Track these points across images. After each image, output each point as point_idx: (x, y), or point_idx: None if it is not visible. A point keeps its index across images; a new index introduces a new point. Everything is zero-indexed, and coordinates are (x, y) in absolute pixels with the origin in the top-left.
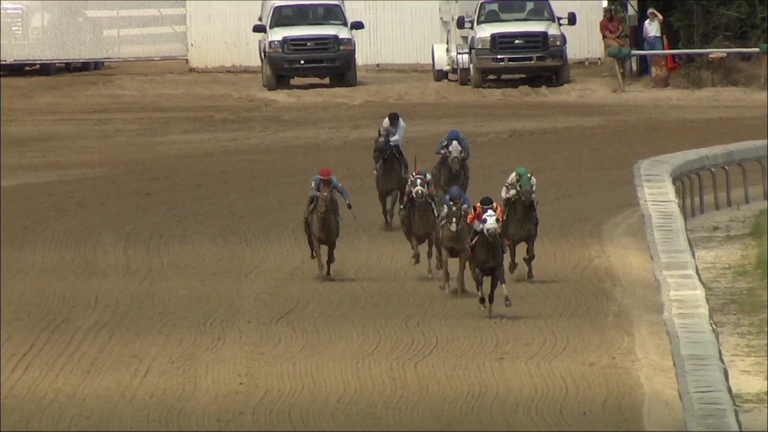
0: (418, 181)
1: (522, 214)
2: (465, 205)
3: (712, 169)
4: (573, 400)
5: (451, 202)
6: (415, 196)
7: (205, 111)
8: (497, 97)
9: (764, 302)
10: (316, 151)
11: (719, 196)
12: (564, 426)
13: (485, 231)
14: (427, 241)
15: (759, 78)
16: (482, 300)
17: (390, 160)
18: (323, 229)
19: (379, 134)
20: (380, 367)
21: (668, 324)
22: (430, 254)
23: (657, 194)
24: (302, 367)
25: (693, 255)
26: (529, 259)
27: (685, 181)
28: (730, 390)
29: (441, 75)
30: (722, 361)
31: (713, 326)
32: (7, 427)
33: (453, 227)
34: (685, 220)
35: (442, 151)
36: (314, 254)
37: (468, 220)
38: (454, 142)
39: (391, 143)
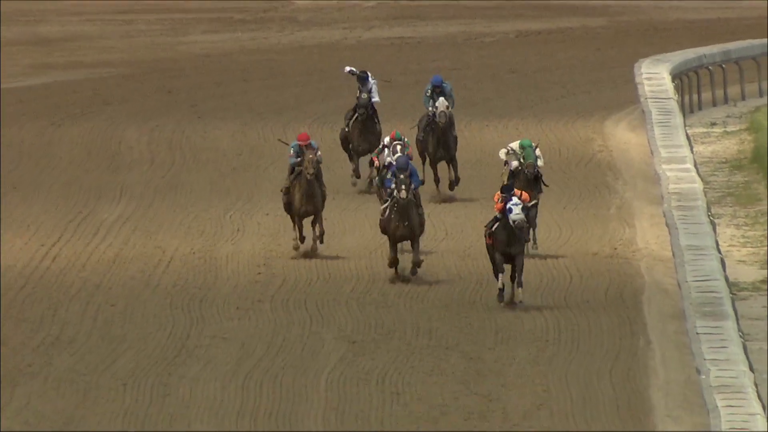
0: (398, 147)
1: (525, 185)
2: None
3: (710, 68)
4: (577, 288)
5: (399, 174)
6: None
7: (224, 12)
8: None
9: (760, 195)
10: (331, 51)
11: (717, 93)
12: (568, 313)
13: (512, 222)
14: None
15: None
16: (501, 291)
17: (367, 119)
18: (306, 197)
19: (359, 93)
20: None
21: (668, 216)
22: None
23: (657, 92)
24: (317, 258)
25: (692, 150)
26: (532, 227)
27: (684, 79)
28: (726, 279)
29: None
30: (719, 252)
31: (711, 218)
32: (38, 313)
33: (402, 194)
34: (684, 116)
35: (430, 108)
36: (295, 227)
37: (496, 208)
38: (441, 99)
39: (371, 101)
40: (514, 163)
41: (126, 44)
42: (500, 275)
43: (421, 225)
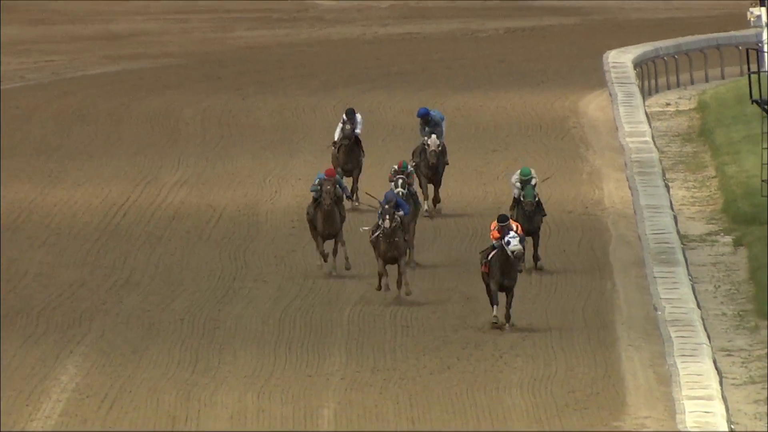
0: (399, 181)
1: (523, 217)
2: (401, 212)
3: (665, 58)
4: (554, 240)
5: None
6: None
7: (264, 12)
8: (495, 1)
9: (706, 163)
10: (352, 45)
11: (670, 79)
12: (547, 260)
13: (510, 253)
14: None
15: None
16: (496, 320)
17: (351, 145)
18: (327, 222)
19: (343, 123)
20: None
21: (630, 180)
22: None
23: (621, 78)
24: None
25: (650, 125)
26: (536, 252)
27: (643, 67)
28: (678, 232)
29: None
30: (672, 210)
31: (665, 182)
32: (110, 260)
33: (386, 223)
34: (644, 97)
35: (426, 139)
36: (318, 247)
37: (492, 237)
38: (433, 136)
39: (354, 132)
40: (516, 191)
41: (182, 39)
42: (495, 306)
43: (405, 249)
